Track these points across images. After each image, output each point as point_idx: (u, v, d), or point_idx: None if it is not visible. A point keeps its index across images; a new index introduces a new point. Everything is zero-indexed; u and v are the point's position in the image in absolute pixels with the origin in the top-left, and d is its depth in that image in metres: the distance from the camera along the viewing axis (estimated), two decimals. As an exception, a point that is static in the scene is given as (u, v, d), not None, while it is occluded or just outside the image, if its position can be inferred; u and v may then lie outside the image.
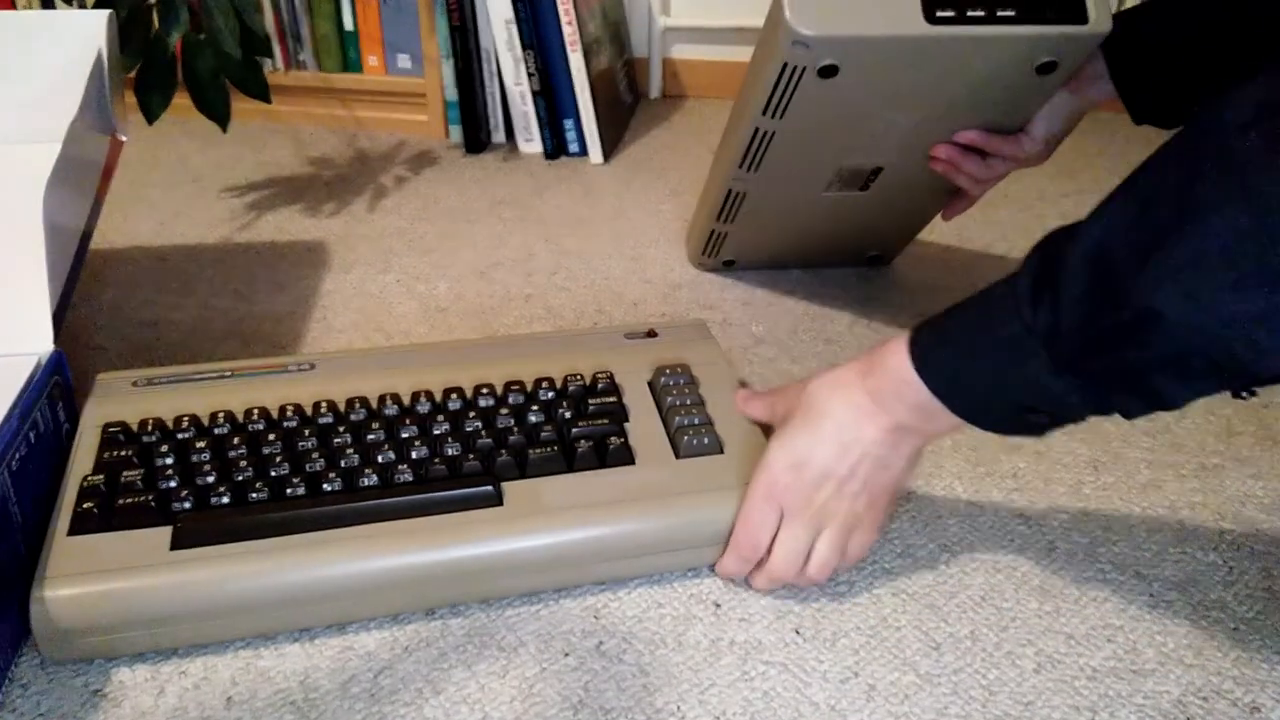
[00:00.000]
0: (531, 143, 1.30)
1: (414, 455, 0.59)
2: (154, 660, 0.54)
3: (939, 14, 0.61)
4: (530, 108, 1.28)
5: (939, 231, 1.07)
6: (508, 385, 0.64)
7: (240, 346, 0.84)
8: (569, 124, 1.28)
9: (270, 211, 1.12)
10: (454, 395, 0.63)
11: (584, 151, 1.29)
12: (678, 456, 0.61)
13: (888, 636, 0.56)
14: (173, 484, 0.56)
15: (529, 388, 0.64)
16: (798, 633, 0.56)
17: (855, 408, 0.54)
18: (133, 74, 0.94)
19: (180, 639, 0.54)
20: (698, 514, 0.58)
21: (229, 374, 0.65)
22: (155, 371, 0.66)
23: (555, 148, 1.29)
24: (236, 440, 0.59)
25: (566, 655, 0.55)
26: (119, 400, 0.63)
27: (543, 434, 0.61)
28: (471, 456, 0.59)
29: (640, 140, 1.36)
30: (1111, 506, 0.66)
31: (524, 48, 1.24)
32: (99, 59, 0.75)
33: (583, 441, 0.60)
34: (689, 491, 0.58)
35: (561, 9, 1.22)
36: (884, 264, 0.99)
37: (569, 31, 1.23)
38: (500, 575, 0.56)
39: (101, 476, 0.56)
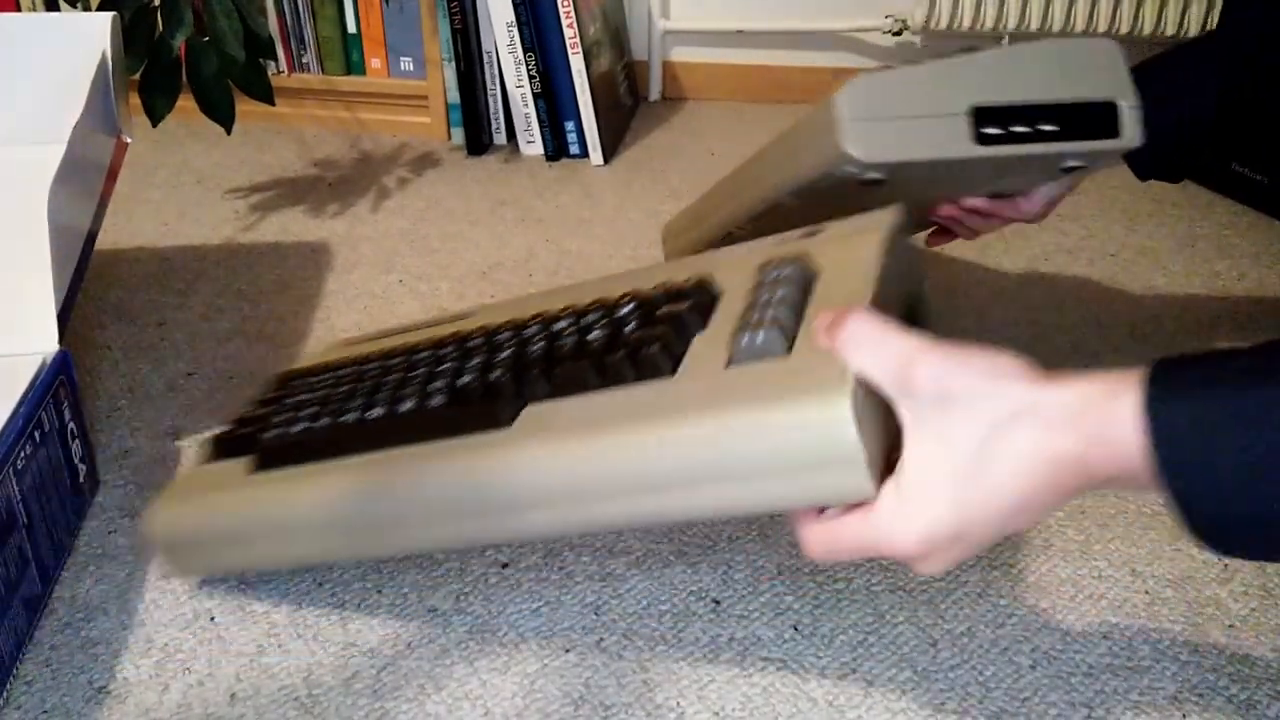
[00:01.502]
0: (533, 144, 1.31)
1: (458, 380, 0.54)
2: (158, 657, 0.55)
3: (985, 132, 0.61)
4: (531, 110, 1.28)
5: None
6: (593, 304, 0.56)
7: (244, 346, 0.85)
8: (570, 126, 1.29)
9: (274, 212, 1.12)
10: (535, 321, 0.57)
11: (585, 153, 1.29)
12: (729, 364, 0.45)
13: (885, 633, 0.56)
14: (274, 418, 0.60)
15: (614, 302, 0.55)
16: (796, 629, 0.57)
17: (1055, 489, 0.38)
18: (137, 76, 0.95)
19: (267, 557, 0.57)
20: (720, 436, 0.42)
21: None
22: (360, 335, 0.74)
23: (556, 149, 1.30)
24: (333, 380, 0.63)
25: (567, 652, 0.55)
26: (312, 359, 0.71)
27: (587, 348, 0.51)
28: (498, 375, 0.52)
29: (640, 142, 1.36)
30: (1107, 503, 0.67)
31: (525, 50, 1.25)
32: (103, 61, 0.75)
33: (619, 352, 0.49)
34: (714, 406, 0.43)
35: (562, 12, 1.23)
36: None
37: (570, 34, 1.23)
38: (510, 506, 0.49)
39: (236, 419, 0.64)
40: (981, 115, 0.61)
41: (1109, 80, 0.63)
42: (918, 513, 0.39)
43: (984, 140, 0.62)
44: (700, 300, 0.51)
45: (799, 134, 0.68)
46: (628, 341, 0.50)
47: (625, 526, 0.50)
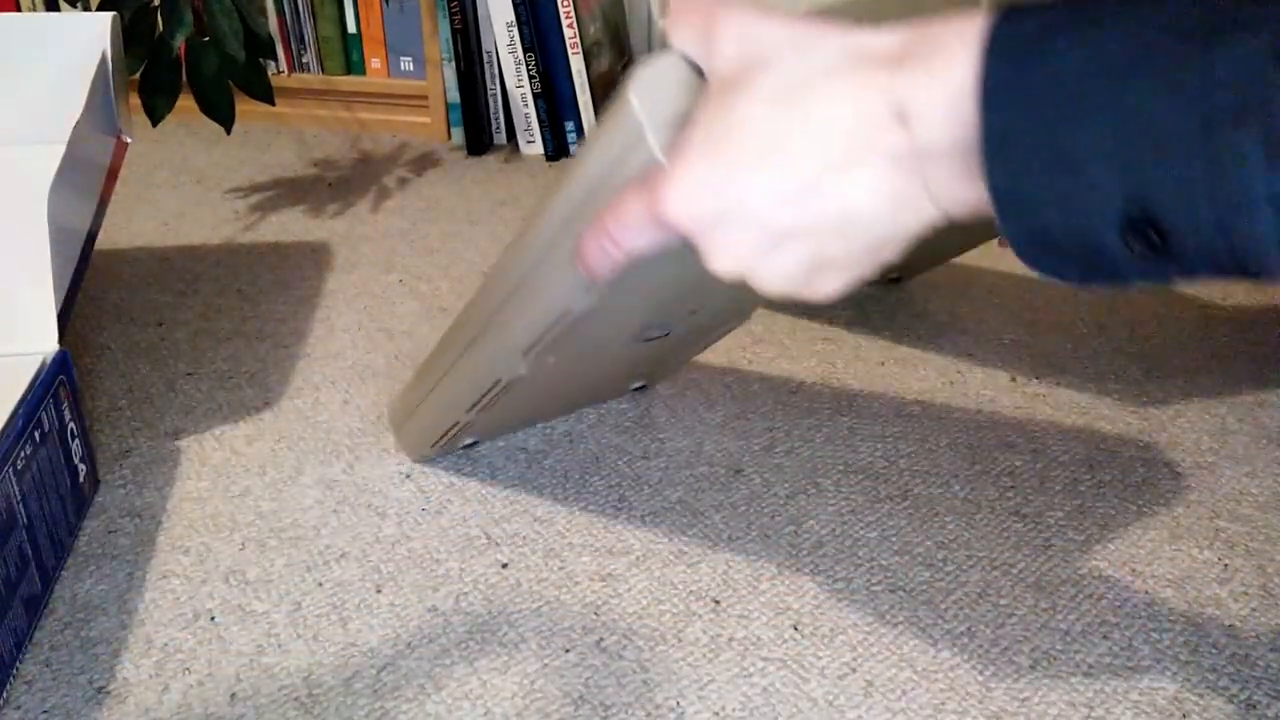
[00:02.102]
0: (533, 144, 1.31)
1: None
2: (158, 657, 0.55)
3: None
4: (531, 110, 1.28)
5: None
6: None
7: (244, 346, 0.85)
8: (570, 125, 1.29)
9: (274, 212, 1.12)
10: None
11: (585, 153, 1.29)
12: None
13: (885, 633, 0.56)
14: None
15: None
16: (796, 629, 0.57)
17: (864, 117, 0.31)
18: (137, 76, 0.95)
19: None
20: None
21: None
22: None
23: (556, 149, 1.30)
24: None
25: (567, 651, 0.55)
26: None
27: None
28: None
29: (641, 142, 1.36)
30: (1107, 504, 0.67)
31: (525, 50, 1.25)
32: (103, 61, 0.75)
33: None
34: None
35: (562, 12, 1.23)
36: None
37: (570, 34, 1.23)
38: None
39: None
40: None
41: None
42: (682, 168, 0.34)
43: None
44: None
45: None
46: None
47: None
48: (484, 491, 0.68)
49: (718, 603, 0.58)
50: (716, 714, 0.51)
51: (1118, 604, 0.59)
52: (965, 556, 0.62)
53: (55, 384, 0.61)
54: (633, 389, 0.79)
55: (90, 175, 0.74)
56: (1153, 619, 0.58)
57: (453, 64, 1.27)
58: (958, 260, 1.01)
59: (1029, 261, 0.30)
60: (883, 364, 0.83)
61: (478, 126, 1.31)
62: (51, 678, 0.53)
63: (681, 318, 0.62)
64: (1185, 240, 0.27)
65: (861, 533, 0.64)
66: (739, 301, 0.64)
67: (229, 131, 1.01)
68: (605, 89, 1.32)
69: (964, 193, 0.31)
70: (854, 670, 0.54)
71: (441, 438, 0.69)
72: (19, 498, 0.54)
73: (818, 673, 0.54)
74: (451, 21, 1.25)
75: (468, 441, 0.72)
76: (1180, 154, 0.26)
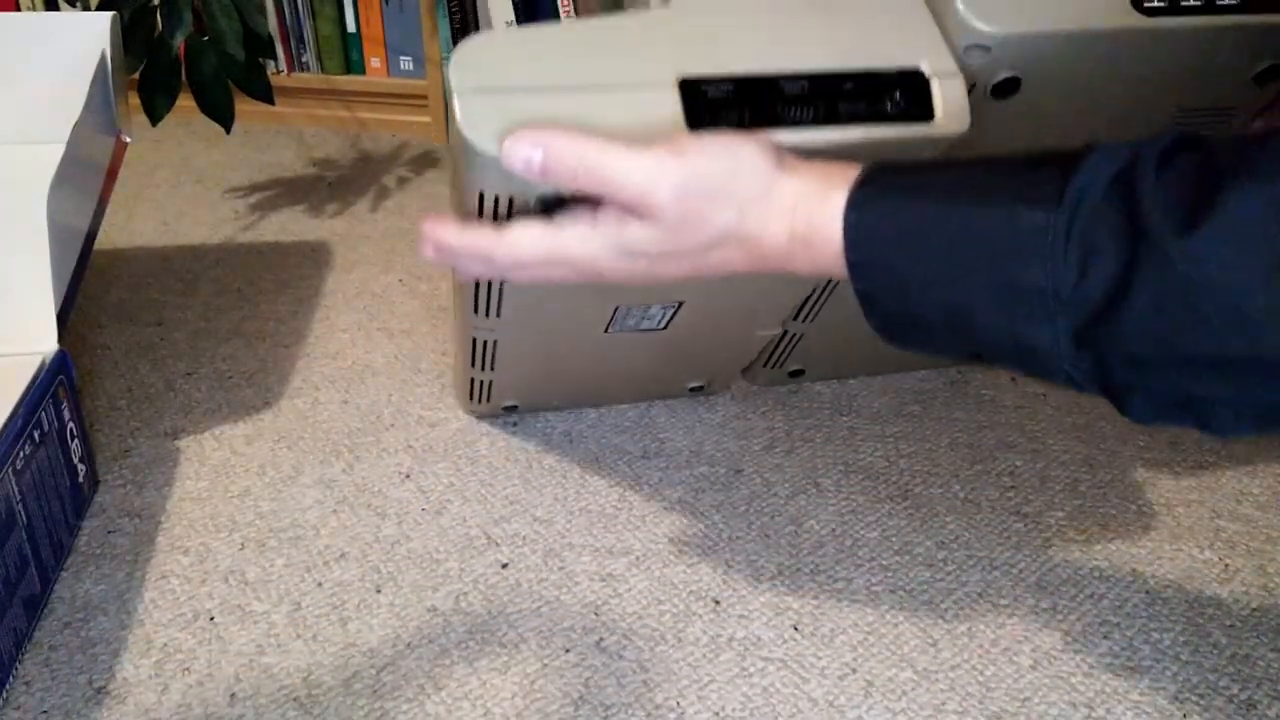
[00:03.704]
0: (533, 144, 1.31)
1: None
2: (157, 657, 0.55)
3: (1147, 4, 0.48)
4: (531, 109, 1.28)
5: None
6: None
7: (244, 346, 0.85)
8: (570, 125, 1.29)
9: (273, 212, 1.12)
10: None
11: (585, 152, 1.29)
12: None
13: (885, 633, 0.56)
14: None
15: None
16: (796, 629, 0.57)
17: (750, 267, 0.41)
18: (136, 75, 0.95)
19: None
20: None
21: None
22: None
23: (556, 149, 1.30)
24: None
25: (567, 651, 0.55)
26: None
27: None
28: None
29: (641, 141, 1.36)
30: (1107, 504, 0.67)
31: (525, 49, 1.24)
32: (103, 60, 0.75)
33: None
34: None
35: (562, 12, 1.23)
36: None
37: (570, 33, 1.23)
38: None
39: None
40: None
41: None
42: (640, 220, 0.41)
43: (1146, 10, 0.48)
44: None
45: None
46: None
47: None
48: (484, 491, 0.68)
49: (718, 603, 0.58)
50: (716, 714, 0.51)
51: (1118, 604, 0.59)
52: (965, 556, 0.62)
53: (54, 384, 0.61)
54: (690, 388, 0.79)
55: (90, 175, 0.74)
56: (1153, 619, 0.58)
57: (452, 63, 1.27)
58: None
59: (886, 339, 0.40)
60: (883, 364, 0.83)
61: (477, 126, 1.31)
62: (51, 677, 0.53)
63: (665, 313, 0.63)
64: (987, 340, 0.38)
65: (862, 533, 0.64)
66: (752, 305, 0.64)
67: (228, 131, 1.01)
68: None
69: (791, 264, 0.40)
70: (854, 670, 0.54)
71: (472, 393, 0.72)
72: (18, 498, 0.54)
73: (818, 673, 0.54)
74: (451, 21, 1.24)
75: (507, 404, 0.76)
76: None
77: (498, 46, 0.46)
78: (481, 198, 0.47)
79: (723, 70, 0.46)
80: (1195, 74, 0.52)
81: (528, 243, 0.42)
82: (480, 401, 0.74)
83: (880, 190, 0.38)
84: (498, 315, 0.62)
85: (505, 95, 0.44)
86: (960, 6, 0.47)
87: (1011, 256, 0.35)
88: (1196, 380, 0.34)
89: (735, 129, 0.45)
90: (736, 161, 0.40)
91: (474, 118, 0.44)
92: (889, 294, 0.39)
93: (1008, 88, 0.49)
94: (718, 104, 0.45)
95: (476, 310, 0.61)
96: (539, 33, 0.46)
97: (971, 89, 0.48)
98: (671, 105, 0.45)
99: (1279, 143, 0.33)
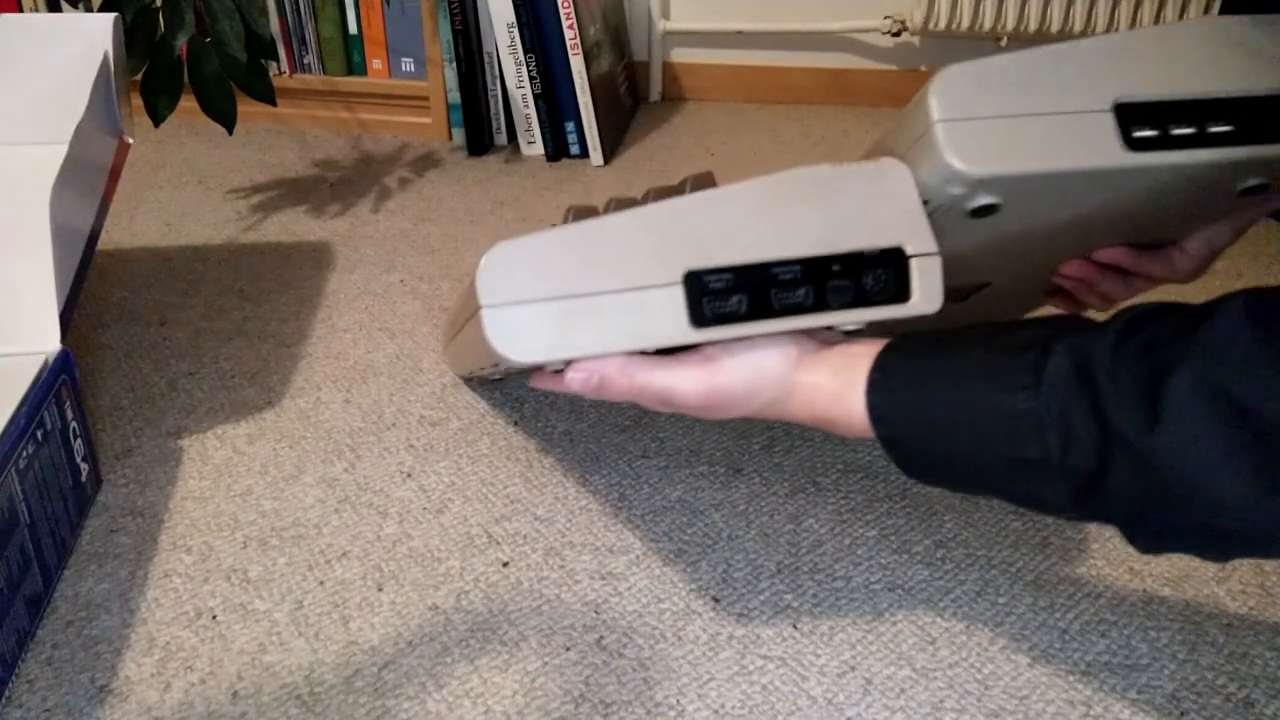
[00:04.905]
0: (533, 145, 1.31)
1: None
2: (160, 656, 0.55)
3: (1136, 134, 0.47)
4: (532, 110, 1.28)
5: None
6: None
7: (246, 346, 0.85)
8: (570, 126, 1.29)
9: (275, 213, 1.13)
10: None
11: (585, 153, 1.29)
12: None
13: (884, 631, 0.57)
14: None
15: None
16: (795, 627, 0.57)
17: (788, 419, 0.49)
18: (139, 76, 0.95)
19: None
20: None
21: None
22: None
23: (557, 150, 1.30)
24: None
25: (568, 649, 0.55)
26: None
27: None
28: None
29: (640, 143, 1.36)
30: (1107, 504, 0.67)
31: (526, 51, 1.25)
32: (105, 61, 0.76)
33: None
34: None
35: (563, 13, 1.23)
36: None
37: (570, 35, 1.23)
38: None
39: None
40: (1129, 113, 0.47)
41: None
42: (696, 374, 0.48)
43: (1136, 145, 0.47)
44: None
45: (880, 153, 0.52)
46: None
47: None
48: (485, 490, 0.68)
49: (717, 601, 0.59)
50: (716, 711, 0.52)
51: (1116, 602, 0.59)
52: (964, 555, 0.62)
53: (57, 383, 0.61)
54: None
55: (92, 175, 0.75)
56: (1151, 617, 0.58)
57: (454, 65, 1.28)
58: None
59: (904, 471, 0.46)
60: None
61: (478, 127, 1.31)
62: (54, 676, 0.53)
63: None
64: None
65: (860, 531, 0.64)
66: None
67: (231, 132, 1.01)
68: (605, 89, 1.32)
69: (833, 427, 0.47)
70: (853, 668, 0.54)
71: (468, 379, 0.77)
72: (21, 497, 0.54)
73: (817, 671, 0.54)
74: (452, 22, 1.25)
75: (496, 377, 0.78)
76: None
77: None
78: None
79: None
80: (1181, 194, 0.53)
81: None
82: (474, 381, 0.78)
83: (895, 376, 0.45)
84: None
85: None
86: (944, 150, 0.46)
87: (1012, 436, 0.41)
88: (1189, 538, 0.39)
89: None
90: (758, 372, 0.47)
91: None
92: (914, 459, 0.45)
93: (987, 210, 0.50)
94: None
95: (474, 380, 0.65)
96: None
97: (950, 209, 0.49)
98: None
99: (1225, 316, 0.37)
